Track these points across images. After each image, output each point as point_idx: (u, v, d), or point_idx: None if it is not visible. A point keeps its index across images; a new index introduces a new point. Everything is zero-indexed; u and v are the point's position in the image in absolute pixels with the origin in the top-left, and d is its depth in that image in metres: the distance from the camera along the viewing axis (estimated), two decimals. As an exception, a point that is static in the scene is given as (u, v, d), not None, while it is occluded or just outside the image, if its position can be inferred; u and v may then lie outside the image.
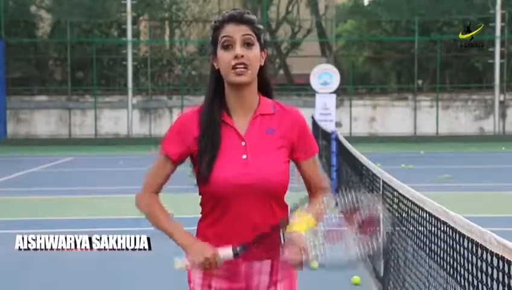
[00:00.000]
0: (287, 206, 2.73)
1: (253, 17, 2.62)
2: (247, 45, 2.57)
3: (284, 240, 2.52)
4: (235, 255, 2.53)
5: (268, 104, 2.69)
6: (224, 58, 2.57)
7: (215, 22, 2.64)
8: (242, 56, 2.54)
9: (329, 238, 2.63)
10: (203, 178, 2.58)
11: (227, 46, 2.57)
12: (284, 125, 2.67)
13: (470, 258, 2.91)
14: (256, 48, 2.60)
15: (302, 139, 2.69)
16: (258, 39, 2.61)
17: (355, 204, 2.72)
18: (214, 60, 2.65)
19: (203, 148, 2.59)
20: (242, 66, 2.55)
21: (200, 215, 2.71)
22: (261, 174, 2.57)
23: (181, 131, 2.64)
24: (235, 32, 2.56)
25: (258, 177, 2.56)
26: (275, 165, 2.60)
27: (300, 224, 2.55)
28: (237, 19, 2.58)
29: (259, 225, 2.60)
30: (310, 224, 2.58)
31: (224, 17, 2.61)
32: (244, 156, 2.59)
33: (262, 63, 2.65)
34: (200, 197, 2.69)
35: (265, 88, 2.72)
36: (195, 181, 2.67)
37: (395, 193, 4.92)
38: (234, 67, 2.55)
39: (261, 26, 2.65)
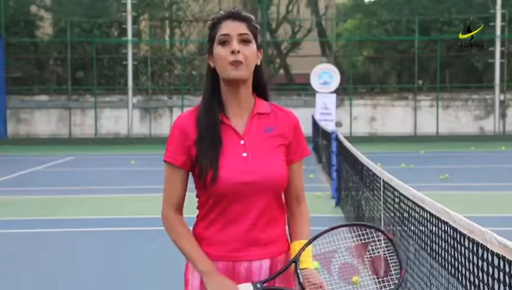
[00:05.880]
0: (285, 207, 2.72)
1: (250, 15, 2.64)
2: (244, 41, 2.58)
3: (300, 278, 2.51)
4: None
5: (264, 104, 2.70)
6: (221, 53, 2.56)
7: (212, 19, 2.64)
8: (238, 52, 2.54)
9: (344, 277, 2.61)
10: (205, 179, 2.56)
11: (224, 42, 2.57)
12: (281, 125, 2.67)
13: (471, 258, 2.91)
14: (253, 46, 2.60)
15: (297, 141, 2.70)
16: (255, 38, 2.62)
17: (365, 239, 2.65)
18: (209, 59, 2.65)
19: (204, 149, 2.57)
20: (238, 62, 2.55)
21: (196, 218, 2.69)
22: (262, 172, 2.57)
23: (180, 135, 2.62)
24: (232, 28, 2.57)
25: (259, 175, 2.56)
26: (275, 163, 2.60)
27: (307, 258, 2.56)
28: (234, 16, 2.60)
29: (258, 225, 2.60)
30: (310, 252, 2.58)
31: (223, 15, 2.62)
32: (245, 154, 2.58)
33: (258, 63, 2.65)
34: (198, 199, 2.67)
35: (261, 89, 2.71)
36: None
37: (396, 192, 4.92)
38: (231, 63, 2.55)
39: (258, 26, 2.65)
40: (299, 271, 2.52)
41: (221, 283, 2.53)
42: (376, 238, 2.63)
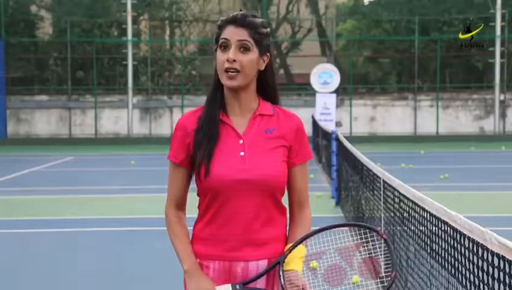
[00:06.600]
0: (285, 209, 2.72)
1: (256, 20, 2.61)
2: (243, 49, 2.57)
3: (283, 279, 2.52)
4: None
5: (268, 106, 2.70)
6: (219, 58, 2.59)
7: (220, 20, 2.65)
8: (234, 60, 2.55)
9: (329, 279, 2.60)
10: (199, 172, 2.58)
11: (224, 48, 2.59)
12: (283, 127, 2.67)
13: (470, 258, 2.91)
14: (253, 53, 2.58)
15: (300, 144, 2.69)
16: (258, 44, 2.59)
17: (357, 240, 2.63)
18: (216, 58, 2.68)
19: (199, 143, 2.60)
20: (233, 70, 2.56)
21: (197, 218, 2.71)
22: (258, 171, 2.57)
23: (181, 134, 2.66)
24: (232, 35, 2.57)
25: (255, 173, 2.56)
26: (273, 163, 2.60)
27: (295, 260, 2.55)
28: (238, 22, 2.58)
29: (254, 225, 2.60)
30: (302, 253, 2.57)
31: (228, 18, 2.62)
32: (242, 153, 2.60)
33: (262, 68, 2.64)
34: (198, 198, 2.69)
35: (269, 93, 2.71)
36: None
37: (396, 192, 4.92)
38: (226, 71, 2.56)
39: (263, 31, 2.62)
40: (281, 273, 2.53)
41: (199, 282, 2.56)
42: (370, 239, 2.62)
